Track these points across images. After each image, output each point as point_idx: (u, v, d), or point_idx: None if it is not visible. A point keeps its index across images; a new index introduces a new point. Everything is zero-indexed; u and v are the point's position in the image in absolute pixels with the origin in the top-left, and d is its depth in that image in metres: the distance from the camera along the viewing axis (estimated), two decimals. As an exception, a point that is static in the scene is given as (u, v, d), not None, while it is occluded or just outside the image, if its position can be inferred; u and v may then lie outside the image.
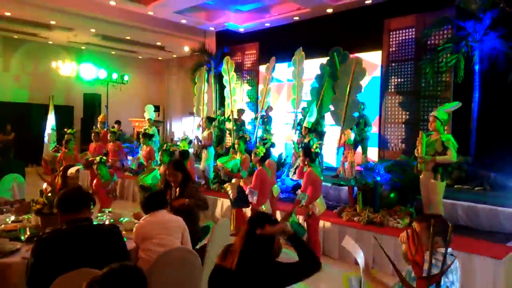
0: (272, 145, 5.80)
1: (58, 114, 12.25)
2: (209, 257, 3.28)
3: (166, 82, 17.06)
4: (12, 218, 3.68)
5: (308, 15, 10.01)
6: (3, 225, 3.40)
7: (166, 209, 3.31)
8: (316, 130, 7.66)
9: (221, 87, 10.47)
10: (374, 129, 8.20)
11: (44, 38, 13.39)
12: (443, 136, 4.75)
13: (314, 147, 5.09)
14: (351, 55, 8.12)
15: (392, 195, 5.83)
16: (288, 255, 2.60)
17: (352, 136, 7.68)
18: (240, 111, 10.08)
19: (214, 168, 8.01)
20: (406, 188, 5.81)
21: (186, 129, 14.04)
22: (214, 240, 3.38)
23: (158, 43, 14.03)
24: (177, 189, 3.98)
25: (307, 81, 8.79)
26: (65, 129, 8.26)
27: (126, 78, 13.93)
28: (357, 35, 8.98)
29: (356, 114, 7.61)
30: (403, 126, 8.32)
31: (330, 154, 8.90)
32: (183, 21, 11.51)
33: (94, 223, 2.64)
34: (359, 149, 7.79)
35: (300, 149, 5.88)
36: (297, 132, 8.41)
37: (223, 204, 6.93)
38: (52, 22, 11.48)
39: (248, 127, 10.32)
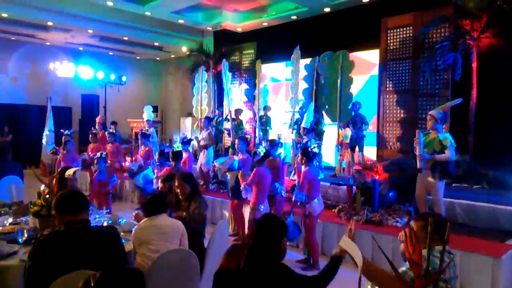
0: (280, 144, 5.81)
1: (56, 116, 12.22)
2: (209, 258, 3.28)
3: (164, 83, 17.04)
4: (10, 220, 3.67)
5: (305, 14, 10.02)
6: (0, 228, 3.39)
7: (166, 213, 3.24)
8: (315, 130, 7.66)
9: (220, 87, 10.46)
10: (371, 128, 8.21)
11: (41, 39, 13.35)
12: (441, 134, 4.75)
13: (312, 147, 5.09)
14: (350, 54, 8.13)
15: (390, 194, 5.83)
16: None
17: (349, 133, 7.71)
18: (238, 111, 10.07)
19: (212, 168, 8.00)
20: (404, 187, 5.81)
21: (185, 129, 14.01)
22: (214, 241, 3.38)
23: (156, 44, 14.01)
24: (185, 202, 3.87)
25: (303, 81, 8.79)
26: (62, 130, 8.23)
27: (124, 79, 13.91)
28: (354, 34, 8.99)
29: (350, 107, 7.64)
30: (401, 124, 8.33)
31: (328, 153, 8.92)
32: (181, 21, 11.50)
33: (92, 224, 2.64)
34: (357, 148, 7.81)
35: (299, 149, 5.89)
36: (294, 131, 8.42)
37: (222, 205, 6.92)
38: (50, 23, 11.45)
39: (247, 126, 10.32)
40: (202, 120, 9.32)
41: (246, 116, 10.53)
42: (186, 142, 7.23)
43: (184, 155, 6.60)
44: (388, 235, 4.80)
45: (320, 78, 8.12)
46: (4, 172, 5.36)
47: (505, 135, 6.87)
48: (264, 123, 9.51)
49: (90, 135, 8.92)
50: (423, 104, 7.93)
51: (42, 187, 4.24)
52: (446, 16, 7.31)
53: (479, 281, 4.11)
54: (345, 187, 6.26)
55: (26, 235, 3.12)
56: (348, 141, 7.94)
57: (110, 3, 10.00)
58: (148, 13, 10.71)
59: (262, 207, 5.01)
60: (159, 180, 4.68)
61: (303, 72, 8.66)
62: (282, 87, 10.98)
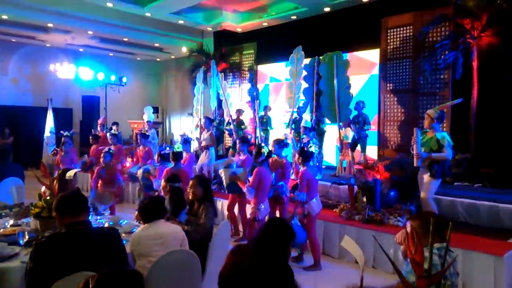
0: (287, 144, 5.79)
1: (57, 117, 12.23)
2: (211, 259, 3.27)
3: (165, 83, 17.04)
4: (11, 222, 3.67)
5: (305, 14, 10.01)
6: (2, 229, 3.39)
7: (164, 218, 3.13)
8: (316, 129, 7.65)
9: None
10: (372, 127, 8.20)
11: (41, 41, 13.36)
12: (438, 133, 4.74)
13: (308, 146, 5.09)
14: (349, 54, 8.14)
15: (392, 193, 5.82)
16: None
17: (350, 132, 7.71)
18: (239, 111, 10.06)
19: (213, 168, 7.99)
20: (406, 186, 5.80)
21: (185, 130, 14.02)
22: (216, 242, 3.37)
23: (156, 44, 14.01)
24: (196, 204, 3.84)
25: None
26: (61, 132, 8.24)
27: (124, 80, 13.91)
28: (354, 34, 8.99)
29: (352, 108, 7.63)
30: (402, 124, 8.32)
31: (330, 153, 8.91)
32: (181, 22, 11.50)
33: (93, 226, 2.64)
34: (358, 147, 7.80)
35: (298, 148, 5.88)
36: (293, 131, 8.42)
37: (222, 205, 6.91)
38: (50, 25, 11.46)
39: (248, 126, 10.32)
40: (203, 121, 9.32)
41: (248, 116, 10.51)
42: (186, 141, 7.20)
43: (185, 155, 6.60)
44: (389, 234, 4.79)
45: (321, 78, 8.12)
46: (5, 173, 5.35)
47: (506, 133, 6.86)
48: (265, 123, 9.51)
49: (91, 137, 8.92)
50: (424, 104, 7.92)
51: (43, 188, 4.24)
52: (446, 15, 7.30)
53: (481, 280, 4.10)
54: (346, 186, 6.25)
55: (27, 237, 3.12)
56: (349, 140, 7.93)
57: (109, 4, 10.01)
58: (148, 14, 10.71)
59: (263, 206, 5.01)
60: (162, 180, 4.67)
61: (303, 72, 8.64)
62: (282, 87, 10.98)
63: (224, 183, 5.52)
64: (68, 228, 2.39)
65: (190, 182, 3.91)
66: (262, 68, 11.28)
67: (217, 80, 9.99)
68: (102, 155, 6.47)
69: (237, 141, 6.42)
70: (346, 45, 8.20)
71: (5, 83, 13.33)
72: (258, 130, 9.34)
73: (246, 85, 11.44)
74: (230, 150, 9.06)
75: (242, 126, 9.84)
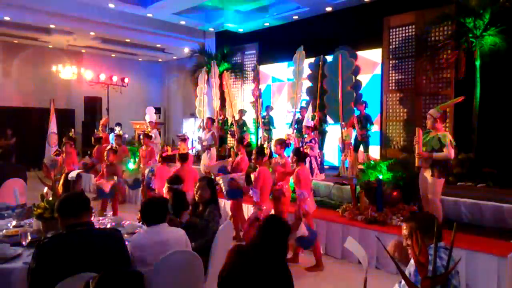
0: (289, 144, 5.79)
1: (59, 118, 12.25)
2: (213, 259, 3.26)
3: (167, 84, 17.06)
4: (14, 223, 3.66)
5: (307, 14, 10.00)
6: (4, 230, 3.38)
7: (166, 221, 2.99)
8: (317, 129, 7.63)
9: (222, 88, 10.46)
10: (375, 127, 8.18)
11: (44, 42, 13.40)
12: (440, 133, 4.72)
13: (304, 147, 5.10)
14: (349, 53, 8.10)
15: (394, 193, 5.80)
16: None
17: (352, 132, 7.69)
18: (242, 112, 10.07)
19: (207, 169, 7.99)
20: (409, 186, 5.78)
21: (188, 130, 14.04)
22: (218, 244, 3.35)
23: (158, 45, 14.03)
24: (202, 206, 3.77)
25: (306, 80, 8.76)
26: (70, 134, 8.26)
27: (126, 80, 13.94)
28: (356, 33, 8.96)
29: (356, 109, 7.62)
30: (405, 123, 8.30)
31: (332, 153, 8.90)
32: (182, 22, 11.52)
33: (96, 227, 2.63)
34: (361, 147, 7.78)
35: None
36: (295, 131, 8.41)
37: (224, 206, 6.90)
38: (52, 26, 11.49)
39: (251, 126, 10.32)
40: (205, 121, 9.33)
41: (250, 116, 10.51)
42: (183, 140, 7.19)
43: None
44: (392, 234, 4.77)
45: (325, 77, 8.11)
46: (7, 174, 5.36)
47: (510, 132, 6.83)
48: (267, 123, 9.50)
49: (93, 139, 8.93)
50: (426, 103, 7.89)
51: (46, 189, 4.24)
52: (448, 14, 7.27)
53: (485, 281, 4.08)
54: (348, 186, 6.23)
55: (29, 238, 3.12)
56: (351, 140, 7.91)
57: (111, 5, 10.02)
58: (149, 15, 10.73)
59: (265, 207, 5.00)
60: (166, 181, 4.64)
61: (306, 71, 8.64)
62: (284, 87, 10.97)
63: (223, 189, 5.43)
64: (70, 229, 2.38)
65: (198, 184, 3.82)
66: (264, 68, 11.27)
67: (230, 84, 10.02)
68: (105, 153, 6.50)
69: (235, 142, 6.40)
70: (348, 45, 8.17)
71: (8, 84, 13.37)
72: (260, 130, 9.33)
73: (248, 86, 11.43)
74: (232, 150, 9.06)
75: (245, 128, 9.85)
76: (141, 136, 8.29)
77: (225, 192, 5.43)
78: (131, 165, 8.50)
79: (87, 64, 14.48)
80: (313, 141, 6.85)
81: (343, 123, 7.76)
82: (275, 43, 10.84)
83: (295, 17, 10.35)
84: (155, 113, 11.11)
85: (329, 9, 9.52)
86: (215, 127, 9.75)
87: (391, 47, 8.52)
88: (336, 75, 7.64)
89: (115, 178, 6.35)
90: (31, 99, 13.70)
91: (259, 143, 9.70)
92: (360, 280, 2.05)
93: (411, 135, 7.85)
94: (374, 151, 8.50)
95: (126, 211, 7.23)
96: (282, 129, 9.81)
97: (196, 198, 3.82)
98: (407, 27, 8.27)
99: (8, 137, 12.13)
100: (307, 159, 6.68)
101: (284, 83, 10.95)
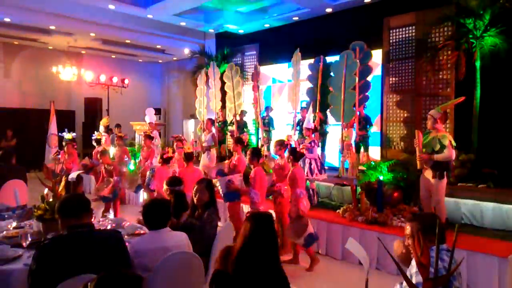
0: (290, 146, 5.77)
1: (60, 119, 12.25)
2: (214, 261, 3.26)
3: (167, 85, 17.07)
4: (14, 224, 3.66)
5: (307, 15, 10.00)
6: (4, 232, 3.38)
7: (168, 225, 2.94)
8: (318, 130, 7.63)
9: (222, 89, 10.46)
10: (375, 128, 8.18)
11: (44, 43, 13.40)
12: (440, 134, 4.72)
13: (301, 148, 5.11)
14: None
15: (395, 194, 5.80)
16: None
17: (352, 133, 7.69)
18: (243, 112, 10.07)
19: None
20: (409, 186, 5.78)
21: (188, 131, 14.04)
22: (219, 245, 3.35)
23: (158, 46, 14.04)
24: (200, 209, 3.71)
25: (306, 82, 8.75)
26: (60, 133, 8.25)
27: (126, 81, 13.94)
28: (356, 34, 8.93)
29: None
30: (405, 124, 8.29)
31: (332, 154, 8.89)
32: (183, 24, 11.52)
33: (96, 228, 2.63)
34: (362, 149, 7.78)
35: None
36: (297, 132, 8.40)
37: (224, 207, 6.89)
38: (52, 27, 11.49)
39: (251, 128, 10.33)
40: (205, 122, 9.33)
41: (250, 117, 10.51)
42: (179, 141, 7.19)
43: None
44: (393, 235, 4.77)
45: (330, 77, 8.12)
46: (8, 176, 5.34)
47: (510, 133, 6.82)
48: (267, 123, 9.50)
49: (94, 140, 8.93)
50: (427, 104, 7.89)
51: (46, 190, 4.24)
52: (448, 15, 7.27)
53: (486, 281, 4.07)
54: (349, 187, 6.23)
55: (30, 239, 3.11)
56: (351, 141, 7.91)
57: (111, 7, 10.03)
58: (149, 16, 10.73)
59: (262, 207, 5.01)
60: (164, 183, 4.63)
61: (306, 72, 8.63)
62: (285, 88, 10.97)
63: (220, 192, 5.36)
64: (70, 230, 2.38)
65: (197, 186, 3.76)
66: (264, 69, 11.27)
67: (238, 81, 10.02)
68: (98, 156, 6.51)
69: (232, 143, 6.39)
70: (348, 46, 8.17)
71: (8, 85, 13.37)
72: (260, 131, 9.33)
73: (248, 86, 11.44)
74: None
75: (245, 129, 9.85)
76: (142, 138, 8.29)
77: (222, 195, 5.39)
78: (132, 166, 8.51)
79: (87, 65, 14.49)
80: (313, 143, 6.84)
81: (343, 123, 7.76)
82: (275, 44, 10.84)
83: (295, 18, 10.34)
84: (155, 114, 11.10)
85: (329, 10, 9.52)
86: (215, 128, 9.76)
87: (391, 48, 8.52)
88: (341, 75, 7.65)
89: (112, 179, 6.35)
90: (31, 100, 13.71)
91: (259, 144, 9.70)
92: (360, 281, 2.04)
93: (412, 136, 7.86)
94: (375, 152, 8.50)
95: (126, 212, 7.22)
96: (282, 130, 9.81)
97: (195, 201, 3.76)
98: (407, 28, 8.27)
99: (8, 138, 12.13)
100: (307, 161, 6.68)
101: (284, 84, 10.95)
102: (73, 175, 4.09)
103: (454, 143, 4.74)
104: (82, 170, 8.64)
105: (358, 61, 7.48)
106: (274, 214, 5.55)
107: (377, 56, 8.93)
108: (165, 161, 6.31)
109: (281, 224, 5.16)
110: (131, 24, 11.25)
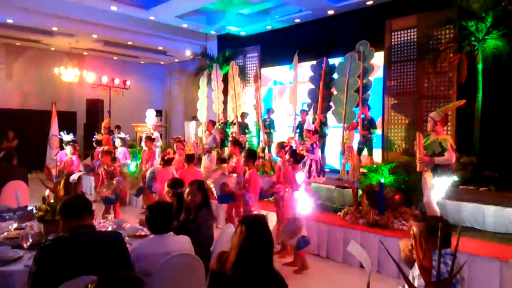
0: (291, 148, 5.75)
1: (61, 120, 12.26)
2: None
3: (169, 87, 17.09)
4: (15, 225, 3.65)
5: (309, 17, 10.00)
6: (5, 233, 3.38)
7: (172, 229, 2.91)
8: (318, 132, 7.63)
9: (224, 91, 10.47)
10: (378, 130, 8.17)
11: (46, 45, 13.44)
12: (440, 137, 4.71)
13: (301, 149, 5.10)
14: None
15: (396, 197, 5.78)
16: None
17: (353, 135, 7.69)
18: (244, 114, 10.07)
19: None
20: (410, 189, 5.77)
21: (189, 133, 14.05)
22: (219, 245, 3.34)
23: (160, 48, 14.06)
24: (193, 212, 3.63)
25: (308, 84, 8.74)
26: (59, 135, 8.25)
27: (128, 83, 13.96)
28: (358, 36, 8.93)
29: (356, 110, 7.62)
30: (407, 127, 8.28)
31: (333, 156, 8.88)
32: (184, 25, 11.53)
33: (97, 229, 2.63)
34: (365, 151, 7.77)
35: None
36: (297, 134, 8.40)
37: (221, 207, 6.86)
38: (54, 29, 11.52)
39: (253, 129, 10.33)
40: (206, 124, 9.34)
41: (252, 119, 10.51)
42: (179, 142, 7.17)
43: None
44: (394, 238, 4.75)
45: (330, 79, 8.13)
46: (9, 177, 5.35)
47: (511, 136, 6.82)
48: (268, 125, 9.50)
49: (94, 141, 8.94)
50: (428, 106, 7.89)
51: (47, 192, 4.24)
52: (450, 17, 7.28)
53: (487, 285, 4.06)
54: (350, 190, 6.22)
55: (30, 240, 3.11)
56: (352, 144, 7.90)
57: (114, 8, 10.05)
58: (152, 18, 10.75)
59: (254, 209, 5.00)
60: (165, 185, 4.62)
61: (308, 74, 8.63)
62: (286, 90, 10.97)
63: (215, 194, 5.30)
64: (72, 231, 2.38)
65: (189, 188, 3.69)
66: (265, 71, 11.28)
67: (237, 81, 10.04)
68: (99, 156, 6.49)
69: (229, 145, 6.36)
70: (350, 48, 8.17)
71: (10, 86, 13.40)
72: (261, 133, 9.33)
73: (250, 88, 11.45)
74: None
75: (247, 130, 9.84)
76: (143, 139, 8.29)
77: (216, 197, 5.34)
78: (133, 168, 8.51)
79: (89, 67, 14.52)
80: (315, 145, 6.84)
81: (345, 125, 7.76)
82: (277, 46, 10.85)
83: (297, 20, 10.35)
84: (157, 115, 11.11)
85: (331, 12, 9.52)
86: (216, 130, 9.76)
87: (393, 50, 8.52)
88: (344, 77, 7.67)
89: (114, 180, 6.33)
90: (33, 101, 13.73)
91: (261, 145, 9.70)
92: (361, 284, 2.03)
93: (413, 138, 7.86)
94: (376, 154, 8.49)
95: (127, 214, 7.22)
96: (283, 132, 9.80)
97: (189, 204, 3.70)
98: (409, 30, 8.27)
99: (9, 139, 12.15)
100: (308, 162, 6.67)
101: (285, 86, 10.95)
102: (74, 176, 4.08)
103: (454, 146, 4.73)
104: (84, 171, 8.64)
105: (361, 63, 7.48)
106: (275, 216, 5.56)
107: (379, 58, 8.93)
108: (166, 162, 6.30)
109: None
110: (133, 26, 11.27)
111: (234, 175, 5.56)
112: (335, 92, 8.00)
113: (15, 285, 2.67)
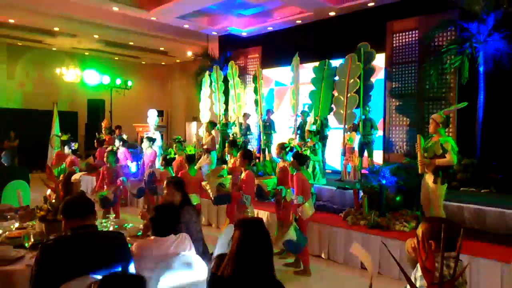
0: (292, 149, 5.73)
1: (62, 120, 12.28)
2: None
3: (170, 87, 17.11)
4: (17, 225, 3.66)
5: (310, 19, 10.01)
6: (7, 232, 3.38)
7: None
8: (319, 133, 7.63)
9: (225, 92, 10.47)
10: (379, 132, 8.17)
11: (48, 45, 13.47)
12: (442, 138, 4.70)
13: (303, 150, 5.06)
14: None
15: (397, 198, 5.78)
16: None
17: (355, 136, 7.69)
18: (245, 115, 10.07)
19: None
20: (411, 191, 5.76)
21: (191, 133, 14.06)
22: (220, 248, 3.34)
23: (161, 48, 14.08)
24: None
25: (309, 85, 8.75)
26: (58, 135, 8.27)
27: (129, 83, 13.99)
28: (360, 38, 8.94)
29: (357, 111, 7.63)
30: (408, 128, 8.28)
31: (334, 157, 8.88)
32: (186, 26, 11.54)
33: (99, 229, 2.63)
34: (365, 153, 7.76)
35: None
36: (298, 136, 8.39)
37: (219, 207, 6.83)
38: (56, 29, 11.55)
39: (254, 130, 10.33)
40: (206, 124, 9.34)
41: (253, 120, 10.51)
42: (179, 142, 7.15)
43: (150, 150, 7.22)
44: (395, 240, 4.75)
45: (331, 81, 8.13)
46: (10, 177, 5.36)
47: (513, 138, 6.82)
48: (268, 126, 9.49)
49: (96, 142, 8.95)
50: (430, 108, 7.89)
51: (48, 191, 4.24)
52: (451, 19, 7.28)
53: (489, 287, 4.05)
54: (351, 191, 6.22)
55: (32, 240, 3.11)
56: (353, 145, 7.90)
57: (115, 9, 10.07)
58: (153, 18, 10.76)
59: (249, 210, 4.99)
60: (164, 184, 4.61)
61: (310, 75, 8.63)
62: (287, 91, 10.97)
63: (211, 195, 5.29)
64: (74, 231, 2.38)
65: (166, 190, 3.62)
66: (267, 72, 11.29)
67: (237, 82, 10.01)
68: (105, 154, 6.47)
69: (227, 146, 6.34)
70: (351, 49, 8.18)
71: (11, 86, 13.43)
72: (261, 134, 9.33)
73: (251, 89, 11.45)
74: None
75: (248, 132, 9.84)
76: (144, 140, 8.28)
77: (212, 198, 5.32)
78: (134, 169, 8.50)
79: (91, 67, 14.55)
80: (316, 146, 6.84)
81: (345, 127, 7.76)
82: (278, 47, 10.86)
83: (299, 22, 10.36)
84: (158, 116, 11.12)
85: (332, 13, 9.53)
86: (216, 131, 9.75)
87: (394, 52, 8.52)
88: (344, 78, 7.68)
89: (118, 180, 6.32)
90: (34, 101, 13.75)
91: (261, 146, 9.70)
92: (363, 285, 2.03)
93: (414, 140, 7.85)
94: (377, 156, 8.49)
95: (128, 214, 7.22)
96: (284, 134, 9.80)
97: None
98: (410, 32, 8.27)
99: (11, 139, 12.17)
100: (310, 164, 6.66)
101: (287, 87, 10.95)
102: (76, 176, 4.09)
103: (456, 148, 4.72)
104: (85, 170, 8.66)
105: (361, 64, 7.50)
106: (275, 216, 5.55)
107: (380, 60, 8.93)
108: (168, 163, 6.29)
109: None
110: (134, 26, 11.29)
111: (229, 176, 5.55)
112: (335, 94, 8.00)
113: (17, 284, 2.68)
